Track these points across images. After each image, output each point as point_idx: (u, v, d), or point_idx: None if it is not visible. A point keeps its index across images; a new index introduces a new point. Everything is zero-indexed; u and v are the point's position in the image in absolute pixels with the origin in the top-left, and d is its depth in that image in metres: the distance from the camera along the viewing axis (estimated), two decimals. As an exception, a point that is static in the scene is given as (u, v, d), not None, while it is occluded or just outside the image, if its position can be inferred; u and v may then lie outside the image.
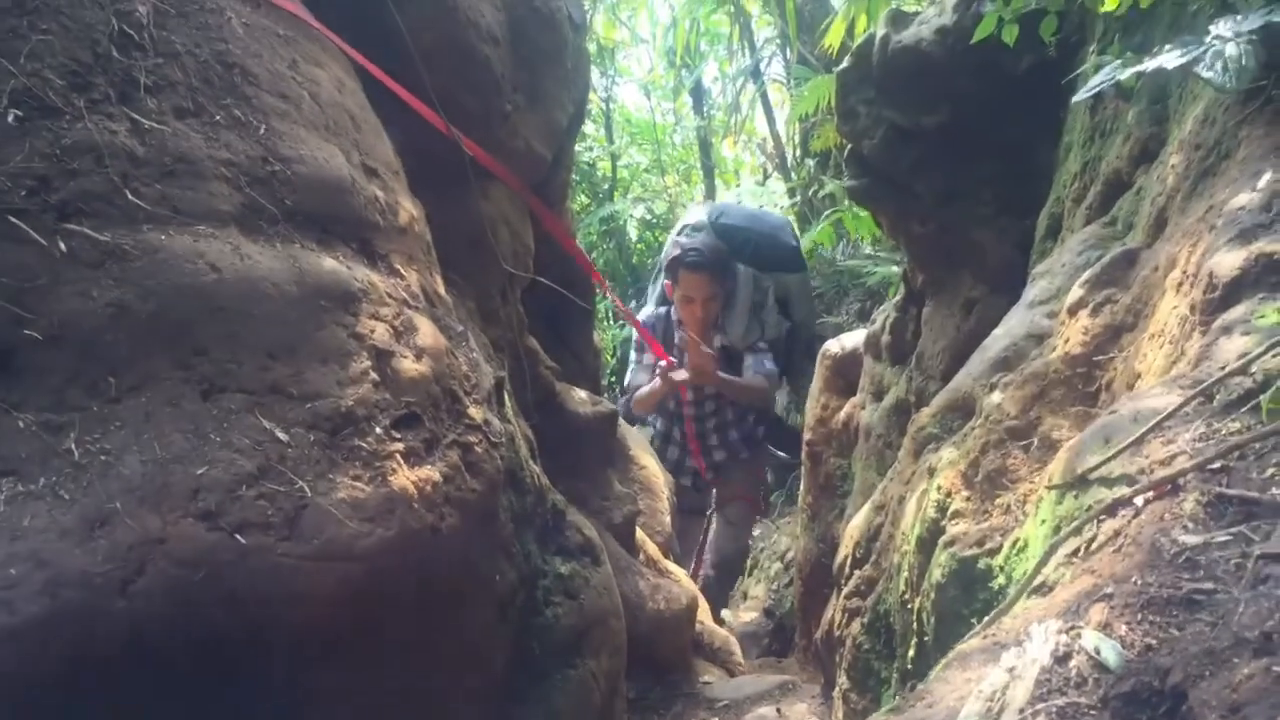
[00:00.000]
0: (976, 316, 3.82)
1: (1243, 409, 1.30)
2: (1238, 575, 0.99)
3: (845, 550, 2.99)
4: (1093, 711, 0.94)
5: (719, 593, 5.99)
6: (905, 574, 2.27)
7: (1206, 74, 1.79)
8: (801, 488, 5.40)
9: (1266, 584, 0.94)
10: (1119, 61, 2.11)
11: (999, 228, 3.82)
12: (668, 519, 4.91)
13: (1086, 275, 2.18)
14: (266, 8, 2.13)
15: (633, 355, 6.01)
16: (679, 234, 5.91)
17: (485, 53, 3.00)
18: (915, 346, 4.24)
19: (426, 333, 2.06)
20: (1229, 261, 1.60)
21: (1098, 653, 1.02)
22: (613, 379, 8.64)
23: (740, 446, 5.92)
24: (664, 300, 5.82)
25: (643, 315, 5.90)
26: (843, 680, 2.72)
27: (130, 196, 1.72)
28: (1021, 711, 0.99)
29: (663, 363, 5.42)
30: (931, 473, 2.32)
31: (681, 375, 5.35)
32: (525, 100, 3.29)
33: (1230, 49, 1.77)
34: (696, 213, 6.17)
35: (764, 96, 10.31)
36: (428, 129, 2.69)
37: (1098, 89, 2.16)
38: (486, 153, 3.12)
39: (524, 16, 3.24)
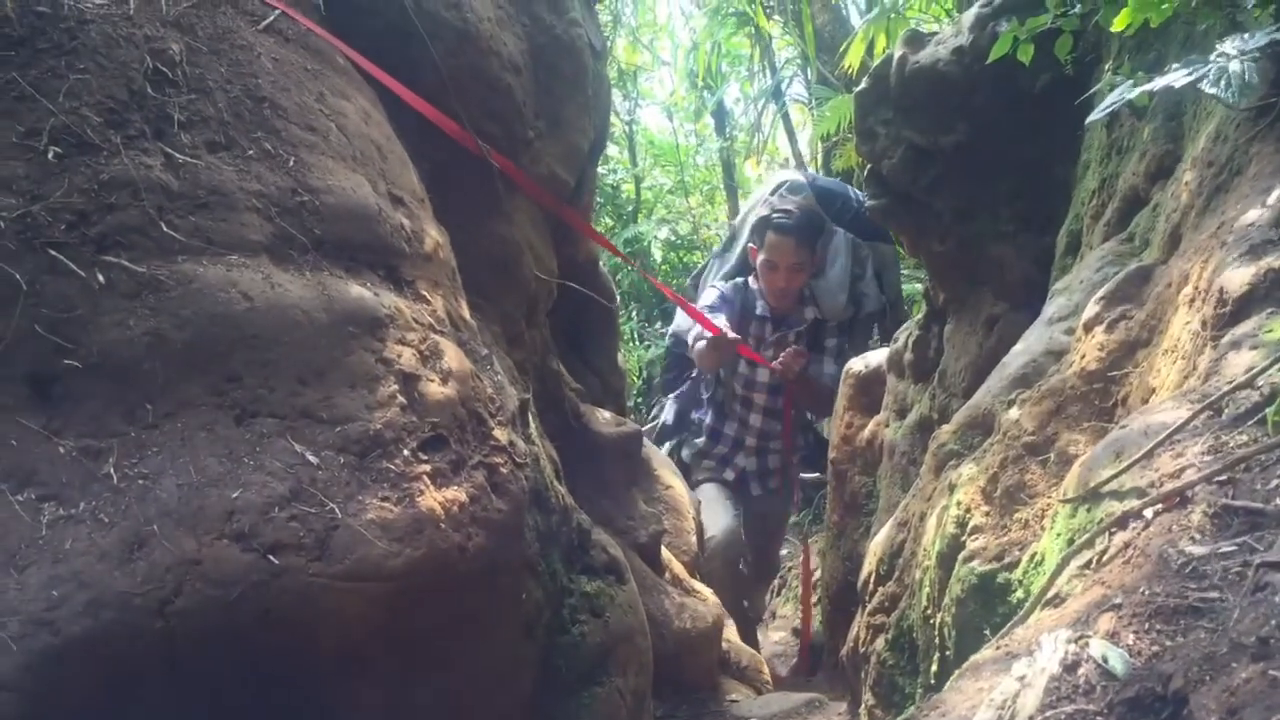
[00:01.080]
0: (998, 333, 3.84)
1: (1249, 422, 1.32)
2: (1239, 583, 1.02)
3: (869, 567, 3.01)
4: (1099, 717, 0.97)
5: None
6: (927, 589, 2.29)
7: (1211, 90, 1.82)
8: (827, 506, 5.41)
9: (1265, 591, 0.97)
10: (1130, 81, 2.14)
11: (1019, 245, 3.84)
12: (694, 539, 4.93)
13: (1101, 292, 2.21)
14: (295, 44, 2.20)
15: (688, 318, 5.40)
16: (772, 194, 5.51)
17: (508, 81, 3.06)
18: (938, 364, 4.26)
19: (452, 356, 2.11)
20: (1239, 277, 1.63)
21: (1105, 661, 1.04)
22: (638, 400, 8.67)
23: (792, 466, 5.64)
24: (745, 268, 5.45)
25: (706, 299, 5.37)
26: (868, 697, 2.73)
27: (165, 229, 1.78)
28: (1031, 718, 1.02)
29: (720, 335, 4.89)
30: (952, 489, 2.34)
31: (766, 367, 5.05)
32: (547, 127, 3.35)
33: (1235, 66, 1.80)
34: (788, 175, 5.84)
35: (785, 117, 10.37)
36: (452, 157, 2.75)
37: (1110, 109, 2.19)
38: (508, 178, 3.17)
39: (545, 45, 3.30)
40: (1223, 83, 1.80)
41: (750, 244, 5.27)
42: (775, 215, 5.00)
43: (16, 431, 1.61)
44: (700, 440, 5.55)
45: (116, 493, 1.61)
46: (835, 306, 5.27)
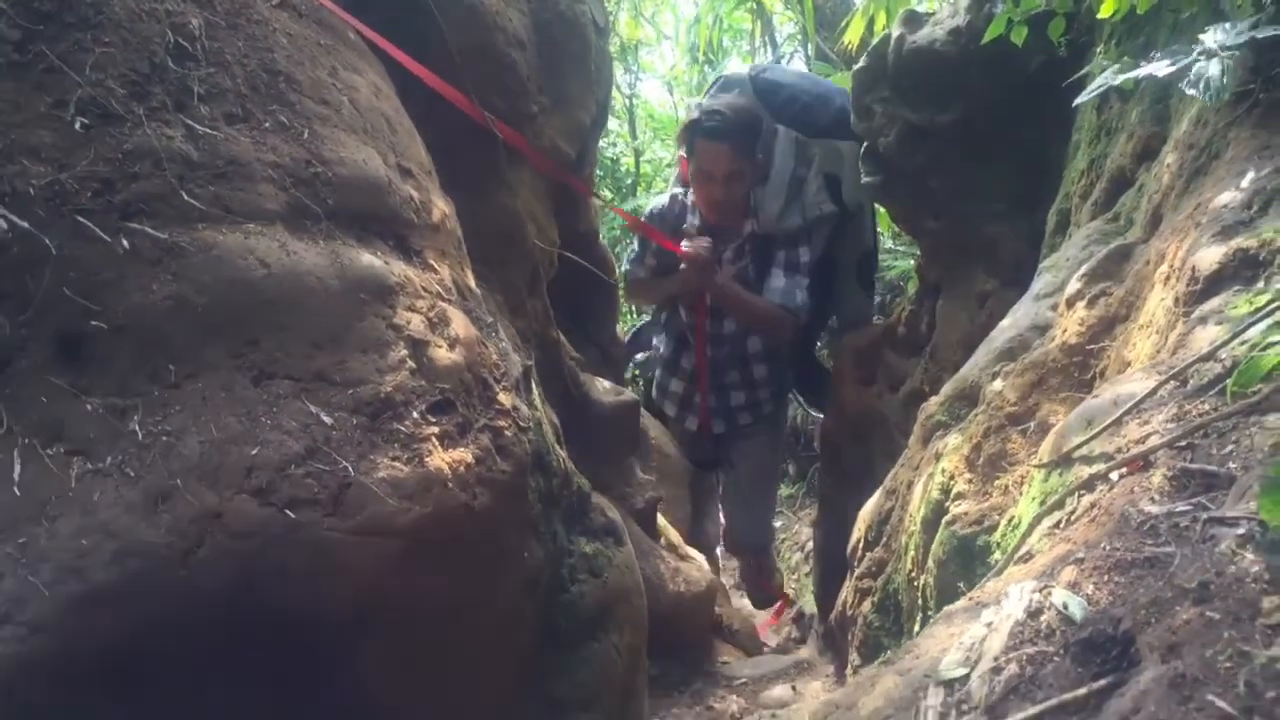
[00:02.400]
0: (989, 309, 3.93)
1: (1211, 392, 1.41)
2: (1188, 537, 1.11)
3: (858, 534, 3.10)
4: (1056, 657, 1.06)
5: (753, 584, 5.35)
6: (912, 553, 2.39)
7: (1190, 90, 1.89)
8: (819, 478, 5.51)
9: (1209, 543, 1.06)
10: (1116, 66, 2.21)
11: (1012, 223, 3.93)
12: (690, 507, 5.04)
13: (1083, 269, 2.30)
14: (308, 19, 2.27)
15: (634, 247, 4.93)
16: (706, 94, 4.92)
17: (513, 56, 3.13)
18: (930, 339, 4.35)
19: (459, 324, 2.19)
20: (1210, 256, 1.71)
21: (1065, 608, 1.14)
22: (635, 372, 8.75)
23: (765, 393, 4.91)
24: (681, 182, 4.81)
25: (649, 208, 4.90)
26: (854, 658, 2.84)
27: (186, 197, 1.86)
28: (995, 659, 1.12)
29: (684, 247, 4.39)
30: (938, 457, 2.43)
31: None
32: (550, 101, 3.42)
33: (1213, 67, 1.87)
34: (733, 70, 5.20)
35: (785, 92, 10.38)
36: (458, 130, 2.82)
37: (1095, 93, 2.27)
38: (514, 151, 3.25)
39: (549, 20, 3.36)
40: (1201, 84, 1.87)
41: (680, 153, 4.65)
42: (706, 118, 4.33)
43: (46, 389, 1.69)
44: (659, 373, 5.06)
45: (142, 449, 1.69)
46: (769, 216, 4.58)
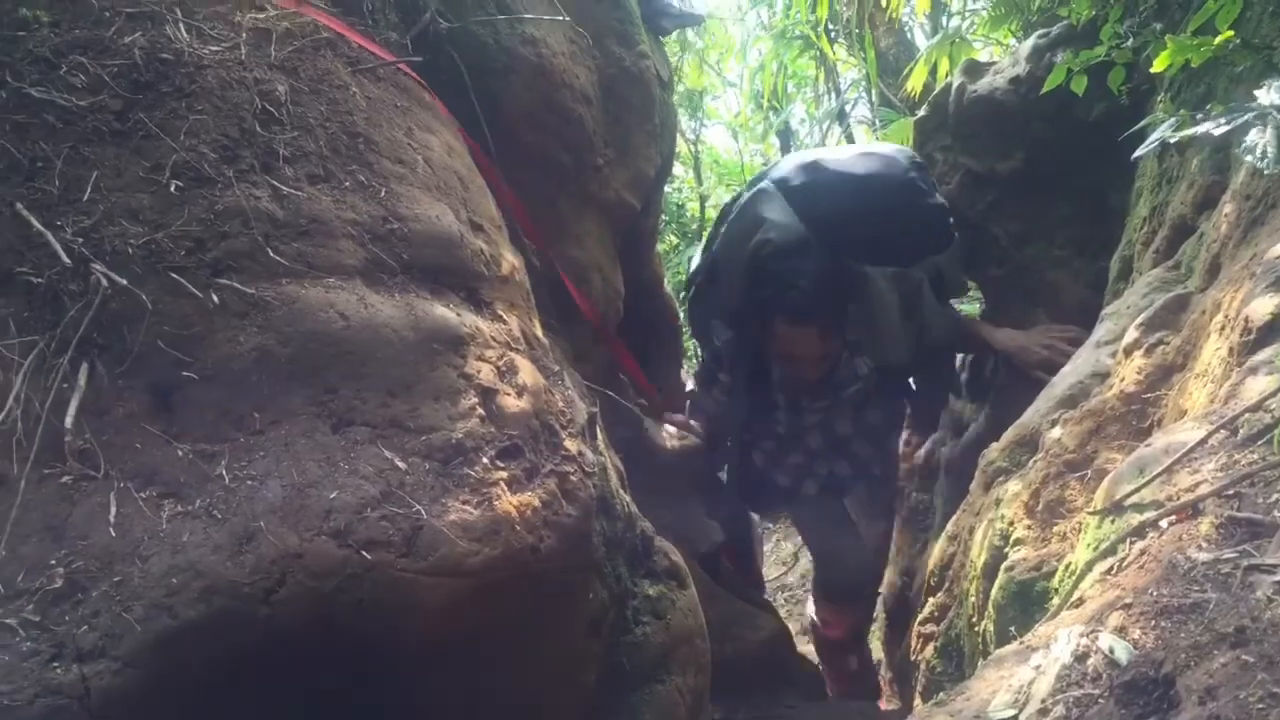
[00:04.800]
0: (1052, 355, 3.92)
1: (1259, 442, 1.44)
2: (1228, 584, 1.14)
3: (921, 579, 3.12)
4: (1101, 699, 1.10)
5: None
6: (973, 599, 2.41)
7: (1247, 158, 1.91)
8: (886, 523, 5.49)
9: (1248, 589, 1.09)
10: (1172, 120, 2.25)
11: (1074, 269, 3.94)
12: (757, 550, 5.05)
13: (1141, 318, 2.32)
14: (386, 82, 2.38)
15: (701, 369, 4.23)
16: (765, 238, 3.58)
17: (579, 112, 3.23)
18: (993, 383, 4.35)
19: (526, 372, 2.27)
20: (1263, 307, 1.74)
21: (1111, 652, 1.17)
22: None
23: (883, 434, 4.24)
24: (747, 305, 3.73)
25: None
26: (918, 703, 2.85)
27: (271, 254, 1.97)
28: (1043, 701, 1.16)
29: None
30: (998, 504, 2.46)
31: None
32: (616, 154, 3.52)
33: (1269, 135, 1.87)
34: (775, 196, 3.70)
35: (850, 139, 10.46)
36: (527, 189, 2.92)
37: (1151, 147, 2.30)
38: (579, 203, 3.35)
39: (615, 76, 3.47)
40: (1258, 150, 1.88)
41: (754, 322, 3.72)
42: (789, 294, 3.48)
43: (141, 436, 1.80)
44: (766, 468, 4.26)
45: (228, 492, 1.79)
46: (891, 361, 3.86)
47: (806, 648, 5.58)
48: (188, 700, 1.66)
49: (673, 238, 11.00)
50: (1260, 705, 0.91)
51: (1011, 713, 1.19)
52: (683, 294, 4.46)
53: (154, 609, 1.65)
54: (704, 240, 4.42)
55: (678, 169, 10.73)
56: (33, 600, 1.61)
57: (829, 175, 3.73)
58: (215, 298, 1.89)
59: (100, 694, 1.58)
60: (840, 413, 3.99)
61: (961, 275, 4.08)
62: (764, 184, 3.77)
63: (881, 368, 3.85)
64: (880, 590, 4.59)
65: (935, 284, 3.79)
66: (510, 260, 2.51)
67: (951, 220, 3.85)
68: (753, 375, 3.87)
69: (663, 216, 6.69)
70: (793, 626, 5.54)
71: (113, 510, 1.72)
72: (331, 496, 1.83)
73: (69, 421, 1.73)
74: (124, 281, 1.81)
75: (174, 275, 1.87)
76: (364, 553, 1.80)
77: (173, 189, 1.92)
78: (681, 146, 10.81)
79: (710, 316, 3.94)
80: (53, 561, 1.66)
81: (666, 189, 6.76)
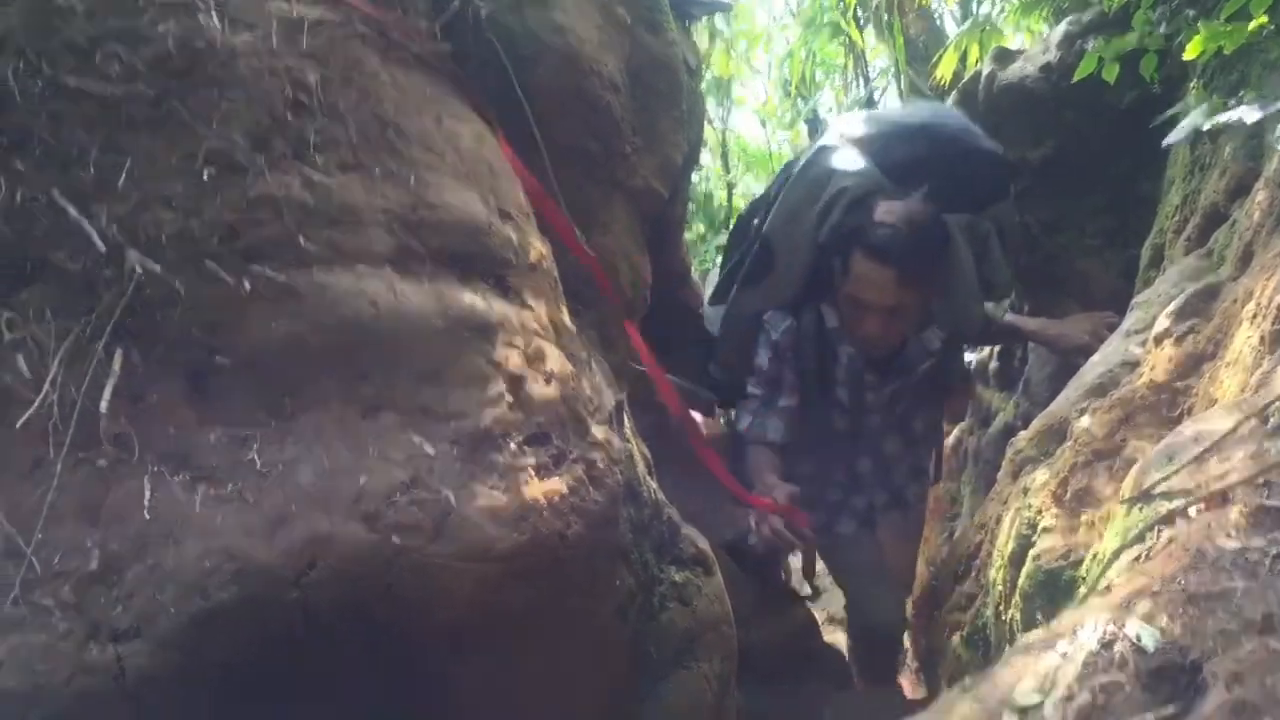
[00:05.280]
0: (1082, 344, 3.91)
1: (1290, 430, 1.43)
2: (1257, 571, 1.14)
3: (948, 568, 3.12)
4: (1127, 686, 1.10)
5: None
6: (1000, 588, 2.41)
7: (1278, 146, 1.90)
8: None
9: (1276, 577, 1.09)
10: (1204, 108, 2.23)
11: (1105, 258, 3.92)
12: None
13: (1172, 306, 2.31)
14: (415, 71, 2.40)
15: (751, 385, 3.54)
16: (840, 187, 3.39)
17: (607, 99, 3.23)
18: (1022, 373, 4.34)
19: (554, 359, 2.28)
20: (1295, 295, 1.73)
21: (1139, 639, 1.17)
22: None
23: (924, 448, 3.95)
24: (809, 289, 3.48)
25: (757, 376, 3.52)
26: (944, 691, 2.85)
27: (303, 242, 1.98)
28: (1069, 687, 1.16)
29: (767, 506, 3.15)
30: (1025, 493, 2.46)
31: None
32: (644, 141, 3.51)
33: None
34: (843, 146, 3.53)
35: (879, 125, 10.39)
36: (554, 175, 2.92)
37: (1184, 134, 2.29)
38: (607, 190, 3.36)
39: (643, 64, 3.46)
40: None
41: (834, 259, 3.34)
42: (880, 232, 3.17)
43: (175, 420, 1.82)
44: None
45: (260, 476, 1.81)
46: (971, 320, 3.57)
47: (834, 636, 5.59)
48: (220, 681, 1.69)
49: (700, 226, 10.99)
50: (1287, 692, 0.91)
51: (1037, 699, 1.19)
52: (706, 305, 4.02)
53: (187, 591, 1.67)
54: (724, 250, 4.21)
55: (705, 157, 10.70)
56: (69, 582, 1.65)
57: (890, 124, 3.62)
58: (247, 285, 1.91)
59: (135, 674, 1.61)
60: (895, 415, 3.69)
61: (1018, 232, 3.78)
62: (822, 142, 3.62)
63: (953, 337, 3.60)
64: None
65: (1000, 238, 3.57)
66: (538, 248, 2.52)
67: (1007, 165, 3.67)
68: (819, 362, 3.48)
69: (690, 205, 6.67)
70: (819, 615, 5.54)
71: (147, 494, 1.74)
72: (361, 481, 1.85)
73: (104, 406, 1.75)
74: (158, 268, 1.84)
75: (207, 262, 1.89)
76: (393, 537, 1.83)
77: (205, 177, 1.94)
78: (709, 134, 10.80)
79: (765, 308, 3.56)
80: (88, 544, 1.68)
81: (694, 177, 6.75)
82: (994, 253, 3.52)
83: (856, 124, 3.65)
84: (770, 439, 3.46)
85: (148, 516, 1.73)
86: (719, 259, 4.63)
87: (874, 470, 3.80)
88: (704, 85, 6.14)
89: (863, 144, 3.51)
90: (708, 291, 4.16)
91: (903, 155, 3.43)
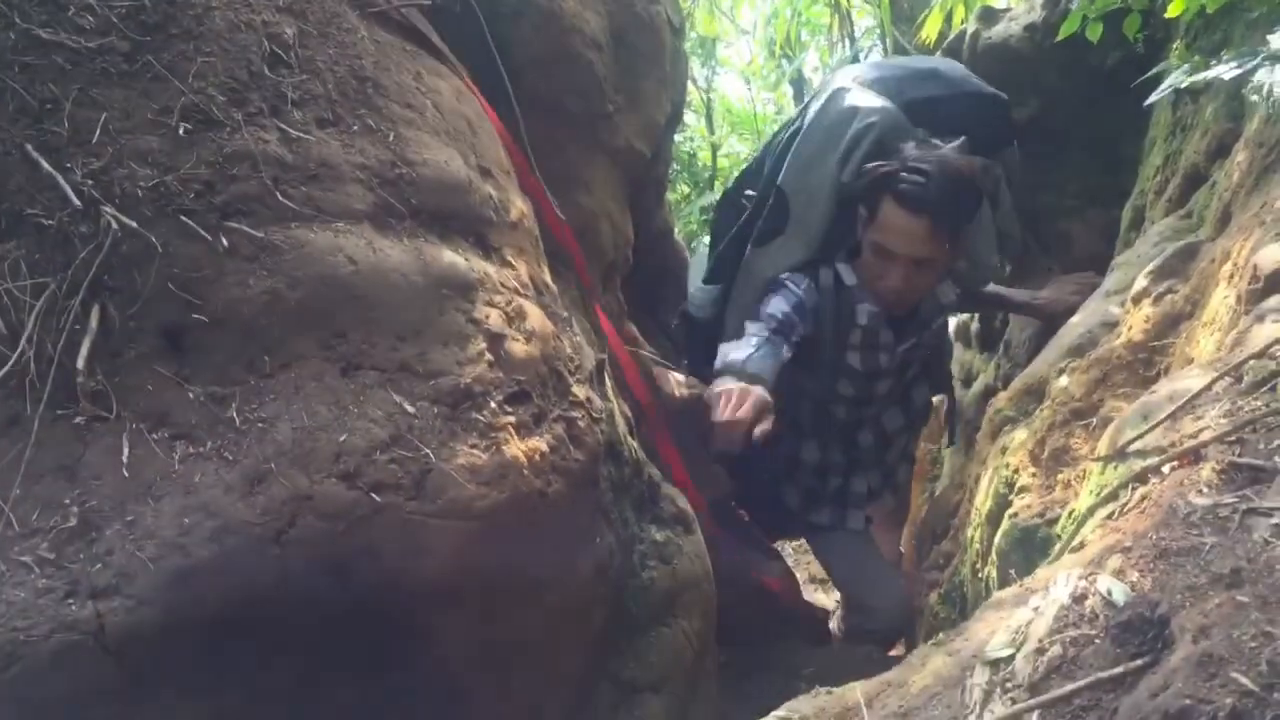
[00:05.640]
0: (1063, 305, 3.92)
1: (1264, 389, 1.45)
2: (1227, 527, 1.15)
3: (927, 527, 3.15)
4: (1097, 639, 1.12)
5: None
6: (976, 546, 2.43)
7: (1253, 97, 1.90)
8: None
9: (1245, 532, 1.11)
10: (1185, 67, 2.23)
11: (1086, 219, 3.93)
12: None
13: (1150, 267, 2.32)
14: (394, 26, 2.37)
15: (751, 328, 3.14)
16: (866, 124, 3.22)
17: (589, 58, 3.21)
18: (1003, 334, 4.36)
19: (535, 318, 2.28)
20: (1272, 255, 1.74)
21: (1109, 594, 1.19)
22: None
23: (914, 435, 3.91)
24: (825, 247, 3.30)
25: (773, 305, 3.19)
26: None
27: (280, 198, 1.97)
28: (1040, 641, 1.17)
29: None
30: (1004, 452, 2.47)
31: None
32: (626, 101, 3.49)
33: (1276, 78, 1.86)
34: (858, 89, 3.36)
35: (864, 86, 10.35)
36: (536, 134, 2.90)
37: (1165, 94, 2.29)
38: (589, 150, 3.34)
39: (625, 22, 3.44)
40: (1264, 91, 1.87)
41: (860, 203, 3.16)
42: (909, 177, 2.98)
43: (153, 378, 1.82)
44: (804, 481, 3.78)
45: (239, 434, 1.81)
46: (988, 269, 3.53)
47: (814, 595, 5.63)
48: (201, 638, 1.69)
49: (684, 186, 10.95)
50: (1253, 644, 0.92)
51: (1009, 652, 1.20)
52: (696, 289, 3.79)
53: (167, 548, 1.68)
54: (711, 230, 4.06)
55: (689, 117, 10.65)
56: (47, 538, 1.65)
57: (901, 69, 3.53)
58: (225, 241, 1.89)
59: (115, 630, 1.61)
60: (902, 383, 3.55)
61: (1020, 176, 3.61)
62: (836, 88, 3.41)
63: (969, 290, 3.49)
64: None
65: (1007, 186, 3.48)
66: (519, 206, 2.51)
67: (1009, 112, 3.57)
68: (835, 324, 3.29)
69: (673, 165, 6.63)
70: (800, 575, 5.58)
71: (125, 451, 1.74)
72: (341, 439, 1.85)
73: (81, 363, 1.75)
74: (134, 224, 1.82)
75: (183, 218, 1.88)
76: (373, 495, 1.83)
77: (181, 132, 1.92)
78: (693, 94, 10.73)
79: (780, 270, 3.32)
80: (66, 501, 1.69)
81: (678, 137, 6.72)
82: (1006, 200, 3.44)
83: (867, 69, 3.52)
84: (764, 378, 2.96)
85: (126, 474, 1.73)
86: (706, 239, 4.49)
87: (874, 447, 3.68)
88: (688, 45, 6.09)
89: (878, 86, 3.37)
90: (694, 271, 4.03)
91: (919, 96, 3.33)
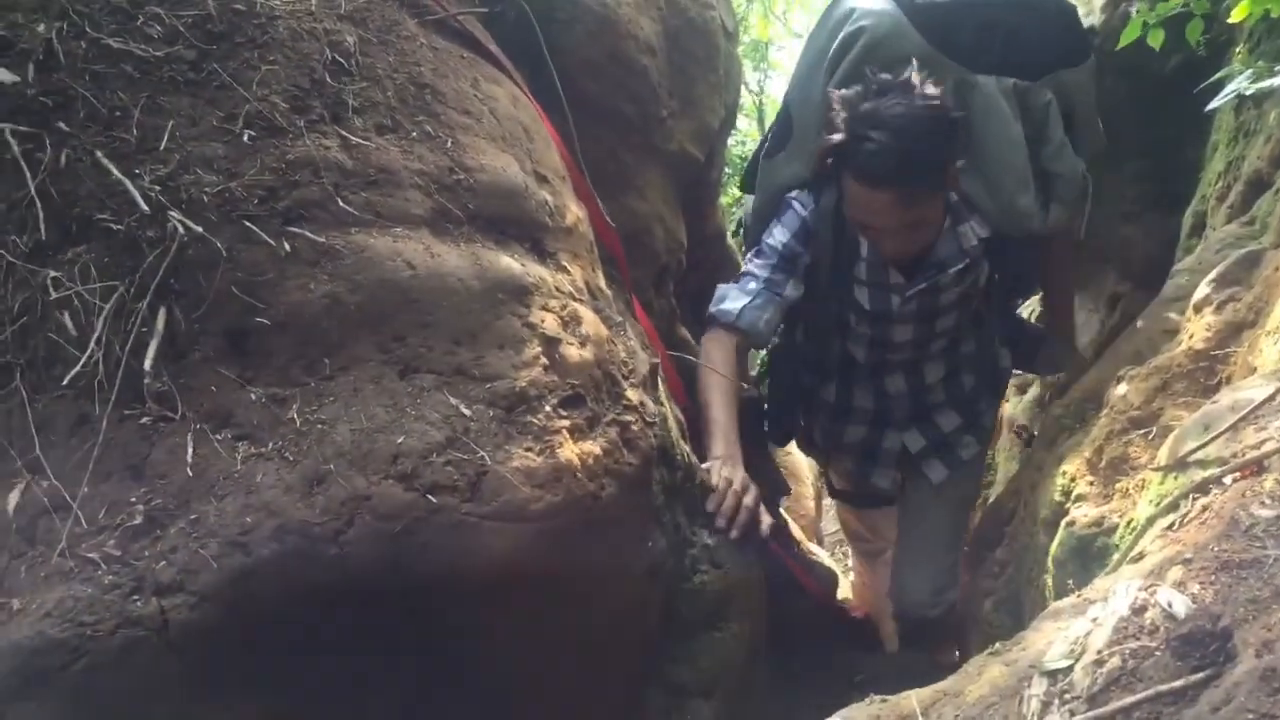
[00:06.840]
0: (1120, 312, 3.89)
1: (1329, 399, 1.43)
2: (1291, 540, 1.14)
3: (982, 534, 3.12)
4: (1157, 651, 1.11)
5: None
6: (1033, 554, 2.41)
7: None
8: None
9: (1309, 545, 1.10)
10: (1249, 72, 2.20)
11: (1145, 225, 3.88)
12: (811, 503, 5.08)
13: (1212, 274, 2.29)
14: (452, 33, 2.40)
15: (753, 263, 3.00)
16: (855, 28, 2.89)
17: (643, 63, 3.23)
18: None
19: (589, 322, 2.29)
20: (1337, 263, 1.71)
21: (1170, 605, 1.18)
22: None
23: (984, 403, 3.36)
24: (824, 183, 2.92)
25: (775, 236, 2.97)
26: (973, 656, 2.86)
27: (341, 203, 2.00)
28: (1099, 652, 1.17)
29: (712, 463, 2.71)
30: (1060, 460, 2.45)
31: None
32: (680, 105, 3.51)
33: None
34: None
35: (917, 89, 10.26)
36: (589, 139, 2.92)
37: (1227, 99, 2.26)
38: (642, 154, 3.36)
39: (679, 27, 3.45)
40: None
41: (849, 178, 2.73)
42: (864, 148, 2.60)
43: (216, 379, 1.85)
44: (822, 423, 3.48)
45: (299, 435, 1.84)
46: (1018, 213, 2.89)
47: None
48: (260, 635, 1.73)
49: (736, 190, 10.92)
50: (1318, 659, 0.91)
51: (1067, 663, 1.20)
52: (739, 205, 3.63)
53: (229, 546, 1.71)
54: None
55: (741, 121, 10.62)
56: (114, 535, 1.69)
57: None
58: (287, 245, 1.93)
59: (178, 626, 1.65)
60: (933, 331, 3.10)
61: (1096, 115, 3.12)
62: None
63: (1000, 233, 2.93)
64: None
65: (1066, 121, 2.95)
66: (574, 211, 2.52)
67: (1088, 40, 3.05)
68: (837, 250, 2.95)
69: (726, 169, 6.63)
70: (847, 581, 5.55)
71: (189, 451, 1.78)
72: (399, 441, 1.87)
73: (148, 364, 1.79)
74: (199, 229, 1.86)
75: (247, 223, 1.91)
76: (429, 496, 1.85)
77: (245, 138, 1.96)
78: (746, 98, 10.69)
79: (786, 184, 3.06)
80: (132, 499, 1.72)
81: (730, 141, 6.71)
82: (1054, 134, 2.90)
83: None
84: (760, 330, 2.90)
85: (190, 473, 1.76)
86: None
87: (909, 398, 3.23)
88: (741, 49, 6.10)
89: None
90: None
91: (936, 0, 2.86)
